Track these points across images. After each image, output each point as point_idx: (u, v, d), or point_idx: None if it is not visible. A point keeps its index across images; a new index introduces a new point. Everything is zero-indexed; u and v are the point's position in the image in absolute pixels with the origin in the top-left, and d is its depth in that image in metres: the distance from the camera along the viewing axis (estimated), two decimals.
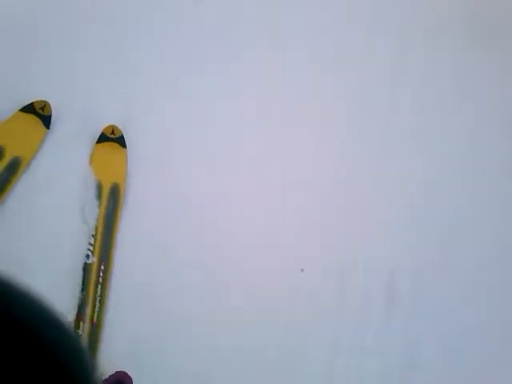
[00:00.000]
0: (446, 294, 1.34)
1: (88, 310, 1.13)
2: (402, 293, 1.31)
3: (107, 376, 1.08)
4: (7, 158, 1.18)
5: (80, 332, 1.11)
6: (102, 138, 1.26)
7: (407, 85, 1.46)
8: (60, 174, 1.21)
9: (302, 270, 1.29)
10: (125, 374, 1.09)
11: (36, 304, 0.47)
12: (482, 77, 1.50)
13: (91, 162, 1.25)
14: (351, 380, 1.24)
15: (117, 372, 1.08)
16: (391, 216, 1.37)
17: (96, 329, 1.13)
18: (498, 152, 1.46)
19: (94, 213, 1.21)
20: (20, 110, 1.22)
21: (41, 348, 0.43)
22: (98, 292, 1.15)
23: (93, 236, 1.19)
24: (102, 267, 1.17)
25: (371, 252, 1.34)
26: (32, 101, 1.22)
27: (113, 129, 1.27)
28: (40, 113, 1.23)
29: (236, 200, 1.30)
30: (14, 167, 1.18)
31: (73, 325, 1.11)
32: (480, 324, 1.32)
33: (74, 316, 1.13)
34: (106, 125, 1.27)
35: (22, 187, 1.17)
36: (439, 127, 1.45)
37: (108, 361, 1.10)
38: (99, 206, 1.22)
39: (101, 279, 1.16)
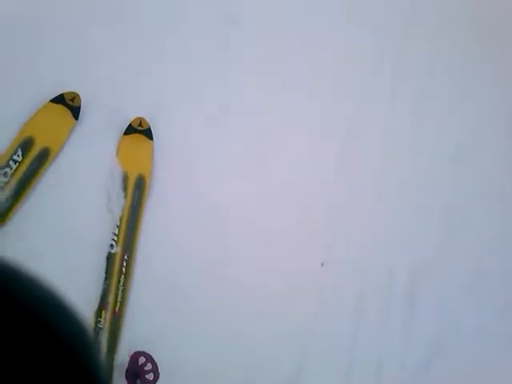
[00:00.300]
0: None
1: (110, 300, 1.15)
2: (421, 291, 1.30)
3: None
4: (36, 149, 1.21)
5: (102, 321, 1.13)
6: (130, 130, 1.28)
7: (406, 84, 1.44)
8: (87, 164, 1.23)
9: (322, 265, 1.29)
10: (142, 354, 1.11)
11: (36, 284, 0.47)
12: (482, 77, 1.47)
13: (118, 153, 1.26)
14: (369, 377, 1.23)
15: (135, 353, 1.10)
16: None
17: (118, 318, 1.15)
18: (498, 152, 1.43)
19: (119, 203, 1.22)
20: (50, 101, 1.24)
21: (40, 326, 0.43)
22: (121, 282, 1.16)
23: (117, 226, 1.21)
24: (126, 257, 1.19)
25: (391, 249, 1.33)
26: (62, 92, 1.25)
27: (140, 121, 1.28)
28: (70, 104, 1.25)
29: (259, 196, 1.31)
30: (43, 158, 1.21)
31: (94, 313, 1.13)
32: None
33: (97, 305, 1.15)
34: (134, 117, 1.28)
35: (50, 178, 1.19)
36: (439, 127, 1.43)
37: (129, 350, 1.12)
38: (125, 196, 1.23)
39: (124, 269, 1.18)
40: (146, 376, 1.11)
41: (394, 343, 1.28)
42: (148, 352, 1.11)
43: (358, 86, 1.43)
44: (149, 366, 1.11)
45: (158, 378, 1.11)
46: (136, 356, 1.12)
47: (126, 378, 1.10)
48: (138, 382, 1.10)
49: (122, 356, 1.12)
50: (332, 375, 1.24)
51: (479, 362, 1.29)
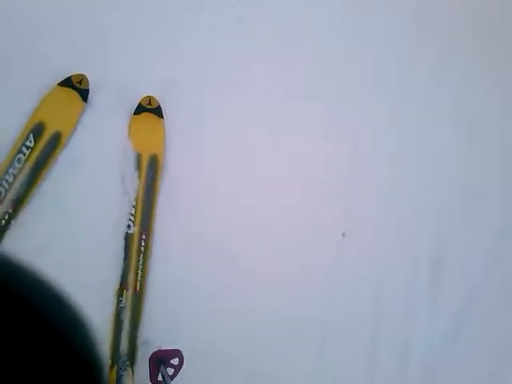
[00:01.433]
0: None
1: (131, 279, 1.16)
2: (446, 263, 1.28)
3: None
4: (48, 133, 1.21)
5: (123, 300, 1.15)
6: (140, 109, 1.27)
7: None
8: (99, 146, 1.23)
9: (343, 235, 1.27)
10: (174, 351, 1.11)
11: (35, 278, 0.47)
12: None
13: (129, 133, 1.26)
14: (395, 354, 1.22)
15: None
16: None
17: (139, 297, 1.16)
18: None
19: (133, 184, 1.22)
20: (58, 85, 1.24)
21: (37, 320, 0.43)
22: (140, 261, 1.17)
23: (133, 206, 1.21)
24: (144, 237, 1.19)
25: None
26: (70, 75, 1.24)
27: (150, 99, 1.27)
28: (78, 87, 1.24)
29: (272, 172, 1.29)
30: (55, 142, 1.21)
31: (116, 293, 1.15)
32: None
33: (118, 285, 1.16)
34: (143, 96, 1.27)
35: (63, 161, 1.20)
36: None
37: (150, 328, 1.13)
38: (139, 176, 1.23)
39: (142, 248, 1.18)
40: (171, 361, 1.11)
41: (420, 317, 1.27)
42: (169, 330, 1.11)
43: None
44: (173, 352, 1.12)
45: (183, 362, 1.11)
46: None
47: (150, 361, 1.10)
48: (162, 367, 1.09)
49: (145, 333, 1.13)
50: (356, 350, 1.24)
51: (505, 334, 1.27)
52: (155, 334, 1.14)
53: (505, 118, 1.43)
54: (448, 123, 1.41)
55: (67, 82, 1.24)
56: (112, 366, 1.11)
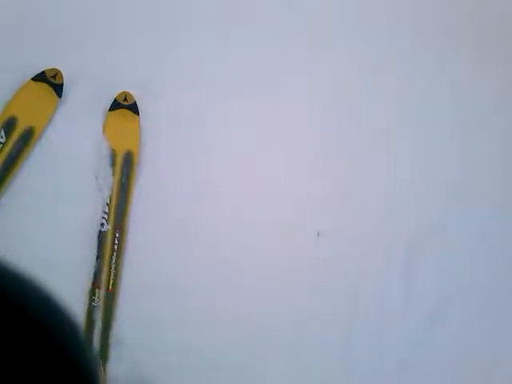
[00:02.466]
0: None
1: (103, 278, 1.15)
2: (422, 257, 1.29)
3: None
4: (20, 129, 1.18)
5: (96, 299, 1.13)
6: (115, 105, 1.25)
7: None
8: (73, 143, 1.21)
9: (318, 235, 1.28)
10: None
11: (25, 281, 0.47)
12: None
13: (104, 129, 1.24)
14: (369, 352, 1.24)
15: None
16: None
17: (111, 295, 1.14)
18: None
19: (107, 181, 1.21)
20: (32, 79, 1.21)
21: (29, 324, 0.43)
22: (113, 260, 1.16)
23: (107, 204, 1.19)
24: (117, 235, 1.18)
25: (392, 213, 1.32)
26: (43, 69, 1.21)
27: (126, 95, 1.26)
28: (52, 81, 1.22)
29: (252, 169, 1.29)
30: (27, 138, 1.18)
31: (88, 292, 1.13)
32: None
33: (90, 283, 1.14)
34: (119, 92, 1.26)
35: (36, 158, 1.18)
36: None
37: (123, 327, 1.12)
38: (113, 173, 1.22)
39: (116, 247, 1.17)
40: None
41: (395, 311, 1.27)
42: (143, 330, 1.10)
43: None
44: None
45: None
46: None
47: None
48: None
49: (118, 332, 1.12)
50: (331, 345, 1.24)
51: (482, 328, 1.28)
52: (128, 334, 1.13)
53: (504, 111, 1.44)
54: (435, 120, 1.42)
55: (41, 77, 1.21)
56: None
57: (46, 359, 0.41)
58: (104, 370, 1.11)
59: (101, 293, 1.14)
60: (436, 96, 1.42)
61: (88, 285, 1.14)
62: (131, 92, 1.26)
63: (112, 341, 1.12)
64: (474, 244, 1.33)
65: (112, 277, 1.15)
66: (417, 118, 1.40)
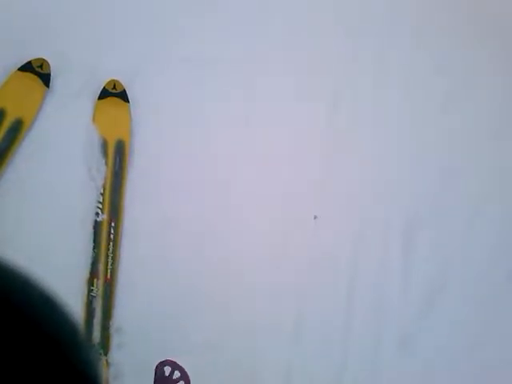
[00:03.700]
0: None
1: (101, 267, 1.14)
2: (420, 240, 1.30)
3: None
4: (9, 120, 1.17)
5: (94, 289, 1.13)
6: (104, 94, 1.23)
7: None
8: (63, 133, 1.19)
9: (315, 218, 1.28)
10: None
11: (27, 283, 0.46)
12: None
13: (94, 118, 1.23)
14: (369, 328, 1.24)
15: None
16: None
17: (110, 285, 1.14)
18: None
19: (100, 170, 1.20)
20: (18, 70, 1.19)
21: (31, 326, 0.43)
22: (110, 249, 1.15)
23: (101, 194, 1.18)
24: (113, 224, 1.17)
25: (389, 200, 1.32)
26: (30, 59, 1.20)
27: (114, 83, 1.24)
28: (39, 71, 1.20)
29: (244, 156, 1.28)
30: (17, 129, 1.17)
31: (87, 282, 1.13)
32: None
33: (88, 274, 1.14)
34: (108, 80, 1.24)
35: (26, 149, 1.16)
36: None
37: (123, 315, 1.12)
38: (105, 163, 1.21)
39: (112, 236, 1.16)
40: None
41: (393, 291, 1.28)
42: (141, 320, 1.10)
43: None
44: (177, 374, 1.10)
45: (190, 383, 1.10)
46: (161, 366, 1.10)
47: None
48: None
49: (118, 322, 1.12)
50: (331, 325, 1.25)
51: (481, 303, 1.30)
52: (128, 323, 1.13)
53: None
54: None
55: (27, 67, 1.19)
56: None
57: (47, 360, 0.41)
58: (106, 359, 1.11)
59: (99, 282, 1.14)
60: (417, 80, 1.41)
61: (86, 275, 1.14)
62: (120, 80, 1.24)
63: (113, 329, 1.12)
64: (467, 227, 1.34)
65: (109, 266, 1.14)
66: (404, 105, 1.40)
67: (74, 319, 0.46)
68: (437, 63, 1.42)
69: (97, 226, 1.17)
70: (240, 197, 1.26)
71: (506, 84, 1.44)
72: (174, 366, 1.11)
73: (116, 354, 1.12)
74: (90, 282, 1.13)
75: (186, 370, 1.12)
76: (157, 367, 1.10)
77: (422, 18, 1.44)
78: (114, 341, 1.12)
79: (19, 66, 1.19)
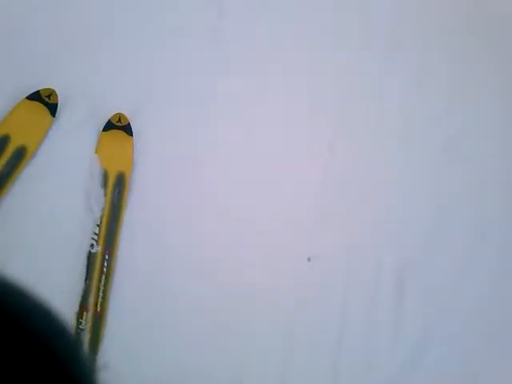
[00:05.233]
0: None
1: (91, 300, 1.13)
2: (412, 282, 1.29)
3: None
4: (13, 147, 1.18)
5: (83, 322, 1.11)
6: (109, 126, 1.25)
7: (404, 83, 1.43)
8: (65, 162, 1.20)
9: (308, 260, 1.27)
10: None
11: (24, 295, 0.46)
12: (482, 77, 1.45)
13: (97, 150, 1.24)
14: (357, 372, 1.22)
15: None
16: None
17: (99, 318, 1.13)
18: (496, 154, 1.42)
19: (99, 202, 1.20)
20: (26, 98, 1.21)
21: (29, 338, 0.43)
22: (102, 281, 1.14)
23: (98, 225, 1.18)
24: (107, 256, 1.17)
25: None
26: (38, 89, 1.22)
27: (120, 117, 1.26)
28: (46, 101, 1.22)
29: (243, 187, 1.29)
30: (20, 156, 1.18)
31: (75, 315, 1.11)
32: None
33: (78, 305, 1.13)
34: (114, 113, 1.26)
35: (27, 177, 1.17)
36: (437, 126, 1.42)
37: (110, 350, 1.10)
38: (105, 194, 1.21)
39: (105, 269, 1.16)
40: None
41: (383, 339, 1.26)
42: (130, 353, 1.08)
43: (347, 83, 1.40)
44: None
45: None
46: None
47: None
48: None
49: (105, 356, 1.10)
50: (319, 372, 1.23)
51: (472, 352, 1.28)
52: (115, 358, 1.11)
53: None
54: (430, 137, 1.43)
55: (36, 96, 1.21)
56: None
57: (45, 372, 0.42)
58: None
59: (88, 315, 1.12)
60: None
61: (75, 307, 1.13)
62: (125, 113, 1.26)
63: (99, 365, 1.10)
64: (460, 268, 1.34)
65: (100, 299, 1.13)
66: (406, 134, 1.41)
67: (72, 331, 0.47)
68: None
69: (90, 257, 1.16)
70: (238, 236, 1.26)
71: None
72: None
73: None
74: (80, 315, 1.12)
75: None
76: None
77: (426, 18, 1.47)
78: (100, 377, 1.09)
79: (28, 94, 1.21)
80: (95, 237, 1.18)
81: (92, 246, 1.17)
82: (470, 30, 1.49)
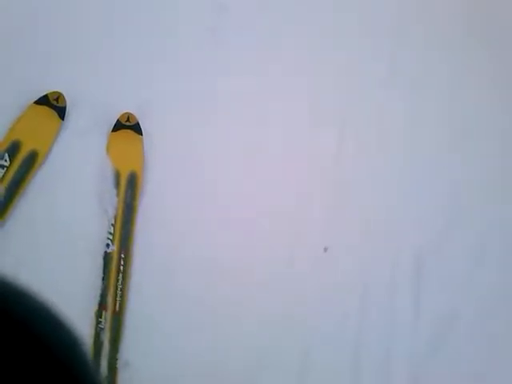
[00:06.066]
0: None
1: (109, 299, 1.13)
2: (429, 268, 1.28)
3: None
4: (24, 152, 1.19)
5: (103, 321, 1.12)
6: (118, 126, 1.25)
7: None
8: (77, 164, 1.21)
9: (325, 250, 1.27)
10: None
11: (30, 298, 0.46)
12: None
13: (108, 150, 1.24)
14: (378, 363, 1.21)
15: None
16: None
17: (118, 317, 1.13)
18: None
19: (112, 202, 1.20)
20: (34, 103, 1.22)
21: (34, 341, 0.42)
22: (119, 281, 1.15)
23: (112, 225, 1.19)
24: (123, 255, 1.17)
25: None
26: (46, 92, 1.22)
27: (128, 116, 1.26)
28: (54, 104, 1.23)
29: (256, 185, 1.29)
30: (31, 161, 1.18)
31: (95, 314, 1.12)
32: None
33: (96, 305, 1.13)
34: (122, 112, 1.26)
35: (40, 181, 1.17)
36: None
37: (130, 349, 1.10)
38: (117, 194, 1.21)
39: (121, 268, 1.16)
40: None
41: (403, 327, 1.25)
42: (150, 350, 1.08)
43: (347, 83, 1.40)
44: None
45: None
46: None
47: None
48: None
49: (126, 355, 1.10)
50: (338, 364, 1.22)
51: (492, 340, 1.27)
52: (136, 356, 1.11)
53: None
54: (435, 133, 1.41)
55: (43, 100, 1.22)
56: None
57: (49, 374, 0.41)
58: None
59: (107, 315, 1.13)
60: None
61: (94, 307, 1.13)
62: (133, 113, 1.26)
63: (120, 364, 1.11)
64: (475, 255, 1.32)
65: (118, 298, 1.14)
66: (418, 129, 1.40)
67: (77, 333, 0.46)
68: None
69: (107, 257, 1.17)
70: (252, 232, 1.25)
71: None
72: None
73: None
74: (99, 314, 1.13)
75: None
76: None
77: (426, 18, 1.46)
78: (121, 376, 1.10)
79: (35, 98, 1.22)
80: (110, 236, 1.18)
81: (108, 245, 1.17)
82: (469, 30, 1.48)
